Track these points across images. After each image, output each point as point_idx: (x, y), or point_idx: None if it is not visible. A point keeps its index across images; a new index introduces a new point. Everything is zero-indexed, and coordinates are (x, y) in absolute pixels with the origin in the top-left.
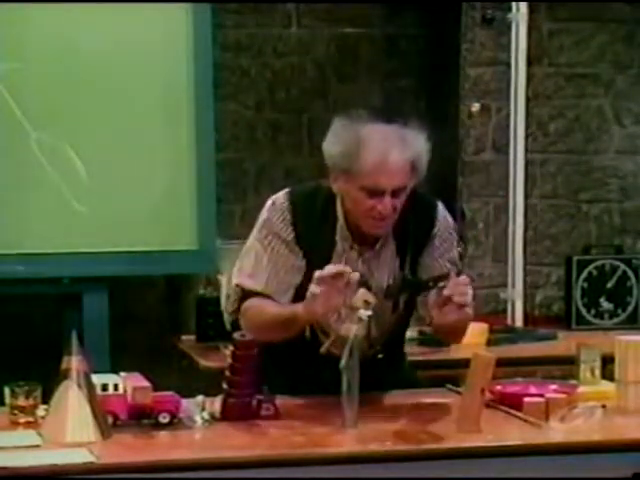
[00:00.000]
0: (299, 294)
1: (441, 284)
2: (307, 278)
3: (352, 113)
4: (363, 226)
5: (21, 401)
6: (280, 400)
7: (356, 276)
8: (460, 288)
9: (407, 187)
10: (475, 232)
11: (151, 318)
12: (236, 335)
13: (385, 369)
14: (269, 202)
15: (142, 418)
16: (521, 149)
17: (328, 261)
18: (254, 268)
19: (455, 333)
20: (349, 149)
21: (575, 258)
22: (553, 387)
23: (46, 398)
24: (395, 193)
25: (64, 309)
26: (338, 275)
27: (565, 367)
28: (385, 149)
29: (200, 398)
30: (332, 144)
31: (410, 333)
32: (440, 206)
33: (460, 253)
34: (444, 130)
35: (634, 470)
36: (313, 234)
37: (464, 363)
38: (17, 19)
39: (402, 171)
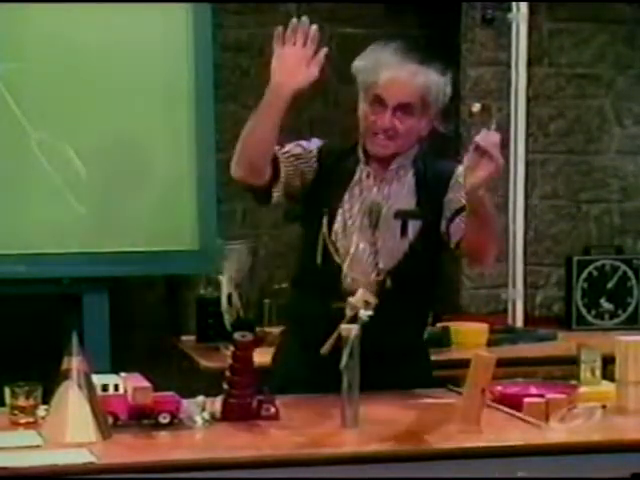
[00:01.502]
0: (309, 215)
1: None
2: (319, 198)
3: (388, 42)
4: (368, 145)
5: (21, 401)
6: (280, 400)
7: (314, 29)
8: (490, 138)
9: (413, 112)
10: None
11: (151, 318)
12: (236, 335)
13: (394, 306)
14: None
15: (142, 418)
16: (521, 149)
17: (344, 185)
18: None
19: (483, 227)
20: (370, 65)
21: (575, 258)
22: (553, 387)
23: (46, 398)
24: (398, 113)
25: (64, 309)
26: (307, 34)
27: (565, 367)
28: (397, 68)
29: (200, 398)
30: (359, 61)
31: None
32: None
33: None
34: (444, 130)
35: (634, 470)
36: (336, 161)
37: (465, 363)
38: (17, 19)
39: (408, 89)
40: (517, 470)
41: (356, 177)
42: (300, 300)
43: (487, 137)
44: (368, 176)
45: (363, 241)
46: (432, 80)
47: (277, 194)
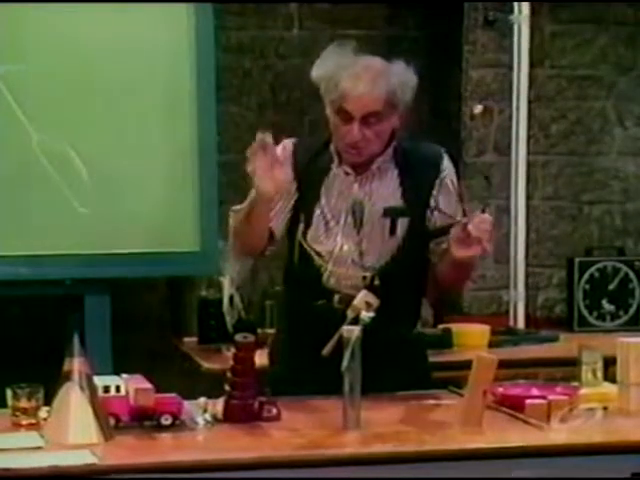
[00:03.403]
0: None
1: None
2: (296, 202)
3: (342, 43)
4: (342, 153)
5: (23, 403)
6: (282, 402)
7: (265, 136)
8: (483, 225)
9: (381, 117)
10: None
11: (153, 320)
12: (238, 337)
13: (384, 304)
14: None
15: (144, 420)
16: (523, 151)
17: (320, 184)
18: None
19: (462, 271)
20: (330, 74)
21: (577, 260)
22: (555, 389)
23: (48, 400)
24: (367, 122)
25: (66, 311)
26: (265, 145)
27: (567, 369)
28: (359, 76)
29: (202, 400)
30: (317, 69)
31: None
32: (446, 156)
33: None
34: (446, 132)
35: (635, 471)
36: (310, 160)
37: (466, 365)
38: (19, 20)
39: (372, 99)
40: (519, 471)
41: (333, 174)
42: (287, 302)
43: (479, 224)
44: (347, 174)
45: (347, 241)
46: (395, 80)
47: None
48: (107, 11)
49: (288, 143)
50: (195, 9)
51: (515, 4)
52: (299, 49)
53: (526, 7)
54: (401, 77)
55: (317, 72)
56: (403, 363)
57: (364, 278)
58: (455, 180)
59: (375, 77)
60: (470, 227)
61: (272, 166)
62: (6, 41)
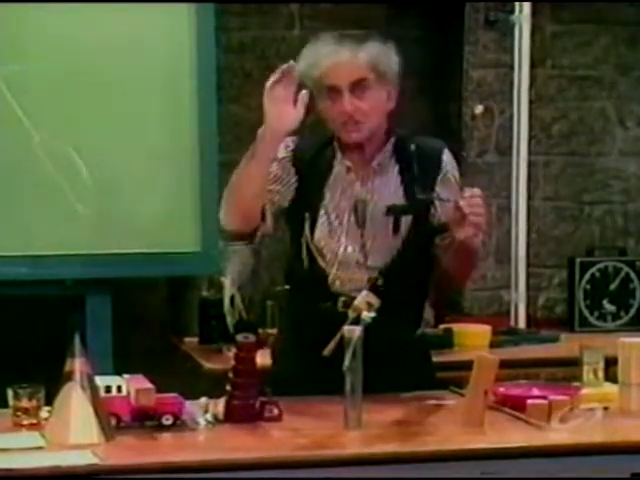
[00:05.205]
0: (292, 218)
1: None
2: (300, 201)
3: (320, 35)
4: (341, 136)
5: (24, 403)
6: (283, 402)
7: (293, 64)
8: (474, 200)
9: (369, 85)
10: None
11: (154, 320)
12: (239, 337)
13: (388, 304)
14: None
15: (145, 420)
16: (524, 151)
17: (323, 182)
18: None
19: (466, 259)
20: (310, 60)
21: (578, 260)
22: (556, 389)
23: (49, 400)
24: (355, 92)
25: (67, 311)
26: (290, 75)
27: (568, 369)
28: (337, 52)
29: (203, 400)
30: (300, 62)
31: None
32: (446, 149)
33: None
34: (447, 132)
35: (635, 471)
36: (311, 158)
37: (467, 365)
38: (19, 20)
39: (355, 66)
40: (520, 471)
41: (335, 172)
42: (291, 303)
43: (470, 199)
44: (348, 171)
45: (351, 242)
46: (377, 50)
47: (262, 231)
48: (107, 11)
49: (289, 141)
50: (196, 9)
51: (516, 4)
52: (300, 49)
53: (527, 7)
54: (383, 47)
55: (299, 66)
56: (407, 364)
57: (368, 280)
58: (457, 174)
59: (353, 47)
60: (462, 204)
61: (288, 101)
62: (6, 41)
